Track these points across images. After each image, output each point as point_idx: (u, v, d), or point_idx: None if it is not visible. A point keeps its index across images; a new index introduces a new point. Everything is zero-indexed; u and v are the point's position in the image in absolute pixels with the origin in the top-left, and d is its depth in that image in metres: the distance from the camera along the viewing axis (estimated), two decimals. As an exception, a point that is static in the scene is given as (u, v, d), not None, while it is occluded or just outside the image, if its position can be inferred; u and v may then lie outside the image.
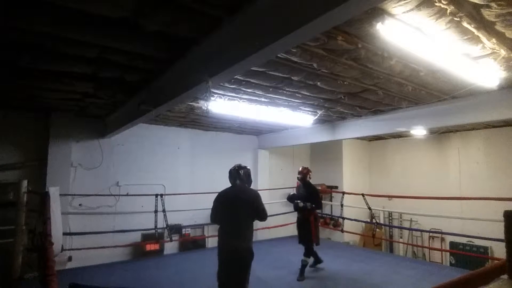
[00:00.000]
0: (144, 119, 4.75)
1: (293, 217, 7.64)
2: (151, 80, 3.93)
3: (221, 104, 4.79)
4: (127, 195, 6.37)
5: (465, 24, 2.59)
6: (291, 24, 1.93)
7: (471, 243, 6.98)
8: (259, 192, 3.45)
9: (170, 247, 6.77)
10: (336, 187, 8.88)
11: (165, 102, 3.73)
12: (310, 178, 4.99)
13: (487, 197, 5.62)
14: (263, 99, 4.99)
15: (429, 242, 8.04)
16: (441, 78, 4.01)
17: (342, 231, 7.25)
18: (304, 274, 4.68)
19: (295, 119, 5.92)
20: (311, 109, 5.70)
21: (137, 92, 4.38)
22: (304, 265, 4.72)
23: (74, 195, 5.85)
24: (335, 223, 8.15)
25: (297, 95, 4.76)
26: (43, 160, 5.62)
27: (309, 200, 4.76)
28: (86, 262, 5.39)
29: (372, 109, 5.59)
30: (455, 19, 2.51)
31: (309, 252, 4.75)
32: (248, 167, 3.51)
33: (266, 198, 4.21)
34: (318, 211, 8.34)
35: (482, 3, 2.35)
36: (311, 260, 4.92)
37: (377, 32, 2.66)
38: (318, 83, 4.19)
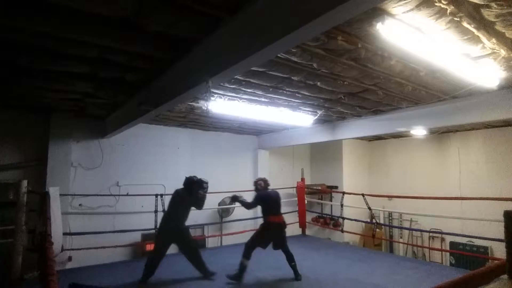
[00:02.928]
0: (144, 119, 4.76)
1: (294, 217, 7.67)
2: (151, 80, 3.93)
3: (221, 104, 4.79)
4: (127, 195, 6.38)
5: (465, 24, 2.59)
6: (291, 24, 1.93)
7: (471, 243, 6.97)
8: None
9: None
10: (336, 187, 8.88)
11: (165, 102, 3.74)
12: (261, 186, 4.78)
13: (487, 197, 5.61)
14: (263, 99, 4.99)
15: (429, 242, 8.04)
16: (441, 78, 4.01)
17: (342, 231, 7.24)
18: (240, 277, 4.38)
19: (295, 119, 5.91)
20: (311, 109, 5.70)
21: (137, 92, 4.38)
22: (240, 265, 4.42)
23: (74, 195, 5.84)
24: (335, 223, 8.15)
25: (297, 95, 4.76)
26: (43, 160, 5.61)
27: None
28: (86, 262, 5.38)
29: (372, 109, 5.59)
30: (455, 19, 2.51)
31: (245, 252, 4.49)
32: (195, 180, 4.54)
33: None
34: (318, 213, 8.32)
35: (482, 3, 2.35)
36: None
37: (377, 32, 2.66)
38: (318, 83, 4.19)
